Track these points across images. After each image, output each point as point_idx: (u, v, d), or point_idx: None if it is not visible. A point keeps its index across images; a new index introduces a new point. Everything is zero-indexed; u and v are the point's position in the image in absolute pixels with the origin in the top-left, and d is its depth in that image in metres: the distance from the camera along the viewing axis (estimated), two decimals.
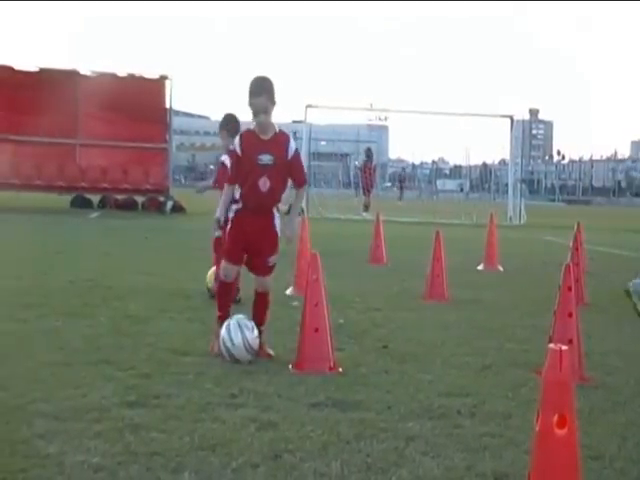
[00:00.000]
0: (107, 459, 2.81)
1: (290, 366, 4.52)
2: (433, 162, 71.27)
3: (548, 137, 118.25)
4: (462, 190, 57.91)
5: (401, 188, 42.65)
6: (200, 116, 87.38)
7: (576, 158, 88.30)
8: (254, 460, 2.89)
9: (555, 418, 2.20)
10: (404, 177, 47.08)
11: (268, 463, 2.88)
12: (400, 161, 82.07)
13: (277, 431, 3.28)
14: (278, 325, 5.47)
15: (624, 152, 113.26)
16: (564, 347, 2.24)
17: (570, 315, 4.46)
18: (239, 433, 3.23)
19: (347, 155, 54.97)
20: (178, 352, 4.81)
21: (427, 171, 65.43)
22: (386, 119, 52.57)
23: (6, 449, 2.88)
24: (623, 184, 75.98)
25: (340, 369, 4.49)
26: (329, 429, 3.36)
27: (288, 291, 7.55)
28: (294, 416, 3.55)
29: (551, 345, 2.33)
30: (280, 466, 2.86)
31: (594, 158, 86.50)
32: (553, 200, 59.50)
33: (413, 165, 68.47)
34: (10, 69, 17.91)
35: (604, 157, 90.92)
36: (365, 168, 25.07)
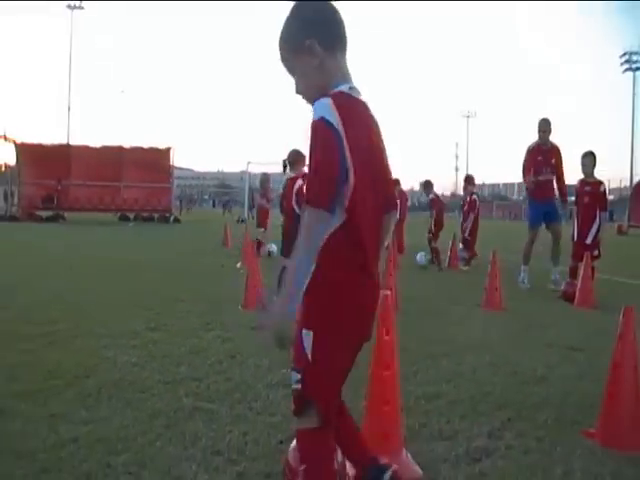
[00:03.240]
0: (140, 359, 4.87)
1: (239, 306, 7.16)
2: None
3: None
4: None
5: None
6: (187, 168, 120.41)
7: None
8: (220, 358, 4.92)
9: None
10: None
11: (228, 360, 4.90)
12: None
13: (233, 343, 5.52)
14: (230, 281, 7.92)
15: None
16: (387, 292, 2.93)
17: None
18: (212, 344, 5.45)
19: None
20: (177, 299, 7.50)
21: None
22: None
23: (84, 354, 5.03)
24: None
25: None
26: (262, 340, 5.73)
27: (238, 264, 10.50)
28: (242, 334, 5.86)
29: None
30: (235, 361, 4.87)
31: None
32: None
33: None
34: (86, 147, 32.88)
35: None
36: None
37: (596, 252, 8.83)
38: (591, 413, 3.62)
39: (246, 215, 34.31)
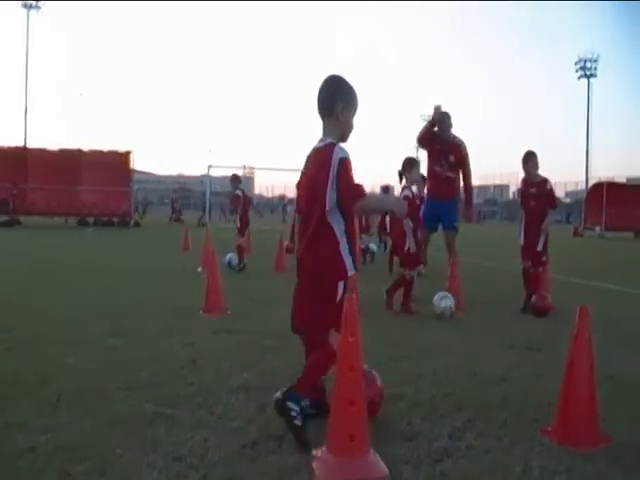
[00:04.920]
0: (100, 365, 4.81)
1: (200, 311, 7.15)
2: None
3: None
4: None
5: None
6: (147, 172, 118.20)
7: None
8: (181, 363, 4.89)
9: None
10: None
11: (189, 365, 4.89)
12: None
13: (194, 347, 5.51)
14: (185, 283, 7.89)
15: None
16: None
17: None
18: (172, 349, 5.42)
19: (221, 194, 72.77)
20: (138, 304, 7.53)
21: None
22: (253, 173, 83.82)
23: (42, 361, 4.89)
24: None
25: (229, 312, 7.14)
26: (223, 345, 5.67)
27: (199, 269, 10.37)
28: (203, 339, 5.86)
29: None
30: (196, 366, 4.86)
31: None
32: None
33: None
34: (44, 150, 31.91)
35: None
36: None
37: (544, 258, 8.23)
38: (549, 412, 3.68)
39: (208, 219, 34.14)
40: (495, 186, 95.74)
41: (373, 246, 15.45)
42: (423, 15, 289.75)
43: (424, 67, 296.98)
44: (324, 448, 3.03)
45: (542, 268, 8.27)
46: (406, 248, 7.76)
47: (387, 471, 2.96)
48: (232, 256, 12.37)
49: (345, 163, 3.35)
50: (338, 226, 3.44)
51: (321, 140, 3.54)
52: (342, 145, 3.46)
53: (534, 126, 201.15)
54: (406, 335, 6.30)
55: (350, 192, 3.34)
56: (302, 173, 3.69)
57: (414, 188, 7.83)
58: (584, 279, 11.63)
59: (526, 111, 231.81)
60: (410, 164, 7.64)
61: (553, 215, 8.52)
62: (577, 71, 71.04)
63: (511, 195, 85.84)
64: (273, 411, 3.76)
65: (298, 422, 3.31)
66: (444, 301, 7.37)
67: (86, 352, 5.28)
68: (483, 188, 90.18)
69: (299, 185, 3.76)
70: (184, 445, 3.30)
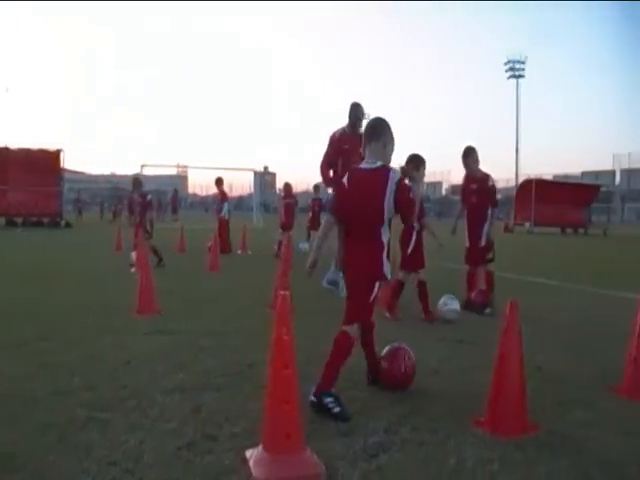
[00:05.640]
0: (30, 370, 4.65)
1: (133, 312, 7.08)
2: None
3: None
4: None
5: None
6: (79, 171, 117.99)
7: None
8: (114, 366, 4.83)
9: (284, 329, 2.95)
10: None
11: (122, 367, 4.83)
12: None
13: (127, 349, 5.43)
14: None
15: None
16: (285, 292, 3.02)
17: None
18: (105, 351, 5.33)
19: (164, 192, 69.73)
20: (69, 305, 7.31)
21: None
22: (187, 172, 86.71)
23: None
24: None
25: (162, 312, 7.09)
26: (157, 346, 5.60)
27: (133, 269, 10.37)
28: (137, 340, 5.79)
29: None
30: (129, 368, 4.82)
31: None
32: None
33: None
34: None
35: None
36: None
37: (490, 255, 8.03)
38: (482, 403, 3.76)
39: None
40: (428, 183, 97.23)
41: (305, 245, 15.78)
42: (352, 14, 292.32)
43: (352, 67, 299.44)
44: (260, 447, 3.03)
45: (486, 266, 8.03)
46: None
47: (323, 468, 2.99)
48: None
49: (402, 183, 4.06)
50: (385, 237, 4.00)
51: (371, 162, 4.10)
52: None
53: (467, 124, 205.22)
54: None
55: (409, 209, 4.15)
56: (349, 190, 4.09)
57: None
58: (514, 274, 11.93)
59: (459, 110, 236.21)
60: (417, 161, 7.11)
61: (496, 214, 8.29)
62: (506, 71, 73.08)
63: (444, 192, 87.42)
64: (208, 411, 3.75)
65: (337, 409, 3.74)
66: (451, 305, 7.25)
67: (14, 356, 5.13)
68: None
69: (346, 198, 4.09)
70: (118, 449, 3.25)
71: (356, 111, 8.96)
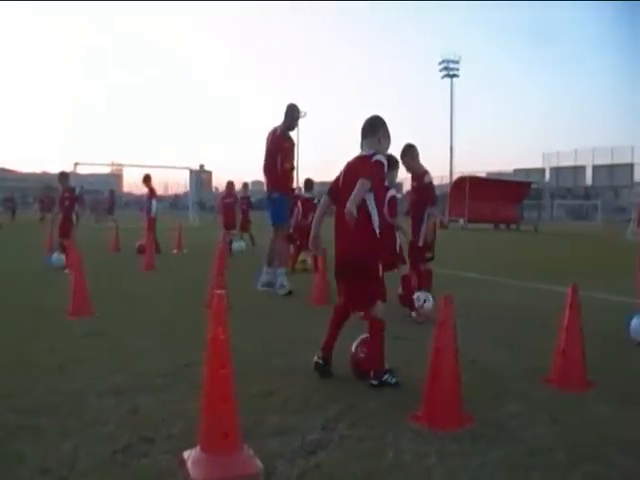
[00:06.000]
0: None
1: (66, 314, 6.95)
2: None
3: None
4: None
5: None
6: (10, 169, 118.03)
7: None
8: (47, 370, 4.72)
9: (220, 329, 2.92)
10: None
11: (56, 371, 4.72)
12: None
13: (61, 352, 5.31)
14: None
15: None
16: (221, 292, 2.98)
17: None
18: (38, 355, 5.19)
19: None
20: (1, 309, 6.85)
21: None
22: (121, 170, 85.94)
23: None
24: None
25: (97, 313, 6.98)
26: (92, 348, 5.49)
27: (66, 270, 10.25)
28: (70, 343, 5.69)
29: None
30: (63, 372, 4.71)
31: None
32: None
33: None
34: None
35: None
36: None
37: (429, 254, 7.76)
38: (418, 397, 3.82)
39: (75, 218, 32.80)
40: None
41: (241, 244, 15.64)
42: (286, 13, 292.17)
43: (284, 68, 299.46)
44: (197, 448, 3.00)
45: (424, 265, 7.76)
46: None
47: (262, 466, 2.99)
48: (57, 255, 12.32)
49: (377, 160, 4.37)
50: (375, 219, 4.38)
51: (366, 152, 4.50)
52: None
53: (402, 124, 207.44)
54: (277, 331, 6.33)
55: (373, 175, 4.34)
56: (342, 172, 4.57)
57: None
58: (449, 269, 12.14)
59: (393, 109, 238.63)
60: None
61: (433, 212, 7.88)
62: (441, 71, 74.40)
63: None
64: (145, 413, 3.70)
65: (394, 380, 4.36)
66: (427, 304, 7.08)
67: None
68: None
69: (337, 180, 4.59)
70: (52, 456, 3.17)
71: (292, 111, 9.18)
